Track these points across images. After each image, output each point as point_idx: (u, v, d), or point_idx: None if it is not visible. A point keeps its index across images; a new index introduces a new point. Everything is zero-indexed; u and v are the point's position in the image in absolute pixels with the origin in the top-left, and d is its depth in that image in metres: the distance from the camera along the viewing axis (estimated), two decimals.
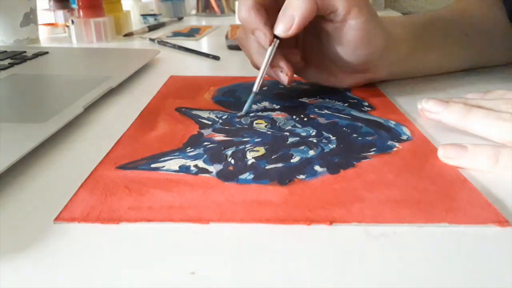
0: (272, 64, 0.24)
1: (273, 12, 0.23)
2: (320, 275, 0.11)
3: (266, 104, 0.25)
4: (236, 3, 0.77)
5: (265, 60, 0.23)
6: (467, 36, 0.31)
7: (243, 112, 0.23)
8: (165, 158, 0.18)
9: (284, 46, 0.24)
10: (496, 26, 0.33)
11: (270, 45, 0.23)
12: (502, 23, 0.33)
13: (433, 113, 0.21)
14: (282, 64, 0.24)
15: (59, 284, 0.11)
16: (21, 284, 0.11)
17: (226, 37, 0.48)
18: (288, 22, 0.22)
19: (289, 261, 0.12)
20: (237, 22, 0.76)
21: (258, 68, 0.26)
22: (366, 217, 0.14)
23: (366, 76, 0.27)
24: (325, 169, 0.17)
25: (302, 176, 0.16)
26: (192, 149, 0.19)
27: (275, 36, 0.23)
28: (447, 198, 0.15)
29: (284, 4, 0.22)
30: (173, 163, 0.17)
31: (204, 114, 0.24)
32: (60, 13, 0.61)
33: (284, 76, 0.24)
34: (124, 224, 0.13)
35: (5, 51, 0.38)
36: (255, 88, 0.23)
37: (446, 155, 0.17)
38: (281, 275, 0.11)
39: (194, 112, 0.24)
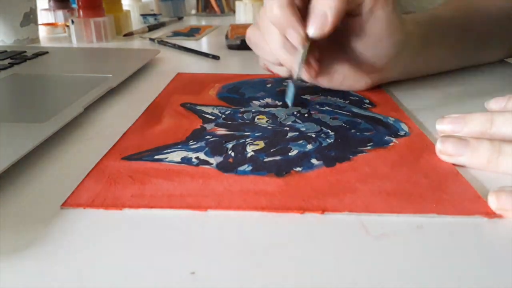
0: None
1: (302, 11, 0.23)
2: (311, 260, 0.13)
3: (269, 100, 0.27)
4: (237, 3, 0.80)
5: (299, 60, 0.23)
6: (467, 32, 0.32)
7: (290, 105, 0.25)
8: (168, 150, 0.20)
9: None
10: (498, 16, 0.34)
11: (305, 44, 0.22)
12: (503, 13, 0.34)
13: (454, 157, 0.18)
14: (311, 59, 0.24)
15: (64, 263, 0.13)
16: (31, 263, 0.13)
17: (226, 37, 0.50)
18: (321, 21, 0.21)
19: (281, 246, 0.13)
20: (237, 21, 0.79)
21: (269, 70, 0.27)
22: (357, 207, 0.15)
23: (380, 75, 0.28)
24: (321, 162, 0.19)
25: (298, 168, 0.18)
26: (195, 142, 0.21)
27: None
28: (438, 190, 0.17)
29: (313, 2, 0.22)
30: (176, 155, 0.19)
31: (208, 109, 0.26)
32: (60, 13, 0.64)
33: (312, 71, 0.25)
34: (126, 210, 0.15)
35: (5, 51, 0.40)
36: (295, 76, 0.24)
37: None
38: (274, 260, 0.13)
39: (199, 107, 0.26)
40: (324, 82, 0.28)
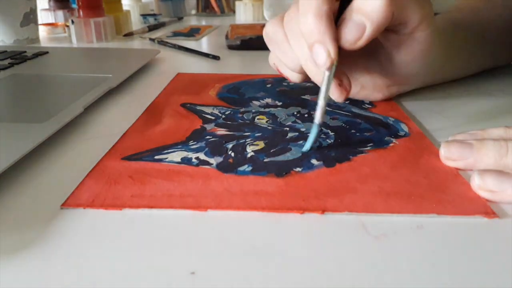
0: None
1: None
2: (311, 260, 0.13)
3: (269, 100, 0.27)
4: (237, 3, 0.80)
5: (324, 85, 0.19)
6: (484, 37, 0.31)
7: (305, 150, 0.20)
8: (168, 151, 0.20)
9: None
10: (505, 25, 0.33)
11: (330, 66, 0.19)
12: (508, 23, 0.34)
13: (460, 161, 0.18)
14: (343, 77, 0.21)
15: (64, 263, 0.13)
16: (31, 262, 0.13)
17: (226, 37, 0.50)
18: (357, 33, 0.19)
19: (281, 246, 0.13)
20: (237, 22, 0.79)
21: (278, 71, 0.24)
22: (357, 207, 0.15)
23: (399, 89, 0.27)
24: (321, 162, 0.19)
25: (298, 169, 0.18)
26: (195, 143, 0.21)
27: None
28: (438, 191, 0.17)
29: (352, 7, 0.19)
30: (176, 155, 0.19)
31: (208, 109, 0.26)
32: (60, 13, 0.64)
33: (342, 91, 0.21)
34: (126, 210, 0.15)
35: (5, 51, 0.40)
36: (318, 120, 0.19)
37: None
38: (274, 260, 0.13)
39: (199, 107, 0.26)
40: None
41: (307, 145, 0.20)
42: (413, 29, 0.22)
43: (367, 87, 0.26)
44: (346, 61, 0.23)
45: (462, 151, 0.17)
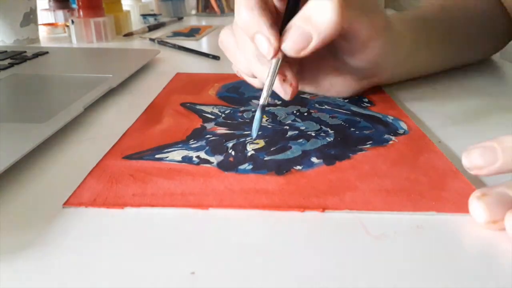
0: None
1: (279, 16, 0.20)
2: (312, 258, 0.13)
3: (268, 99, 0.27)
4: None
5: (271, 72, 0.19)
6: (449, 34, 0.31)
7: (253, 136, 0.20)
8: (169, 150, 0.20)
9: None
10: (481, 18, 0.34)
11: (274, 56, 0.19)
12: (487, 9, 0.34)
13: (486, 168, 0.15)
14: (287, 72, 0.21)
15: (66, 262, 0.13)
16: (33, 261, 0.13)
17: None
18: (303, 41, 0.18)
19: (282, 245, 0.14)
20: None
21: (243, 78, 0.24)
22: (357, 205, 0.15)
23: (369, 81, 0.27)
24: (321, 160, 0.19)
25: (299, 167, 0.18)
26: (195, 142, 0.21)
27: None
28: (437, 188, 0.17)
29: (301, 14, 0.19)
30: (176, 154, 0.19)
31: (208, 109, 0.26)
32: (60, 13, 0.64)
33: (287, 87, 0.21)
34: (128, 209, 0.15)
35: (5, 51, 0.40)
36: (261, 101, 0.20)
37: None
38: (275, 258, 0.13)
39: (198, 107, 0.26)
40: (310, 89, 0.26)
41: (253, 131, 0.20)
42: (364, 42, 0.22)
43: (337, 84, 0.26)
44: (310, 60, 0.23)
45: (486, 156, 0.15)
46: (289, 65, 0.21)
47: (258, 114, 0.20)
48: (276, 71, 0.19)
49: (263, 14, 0.19)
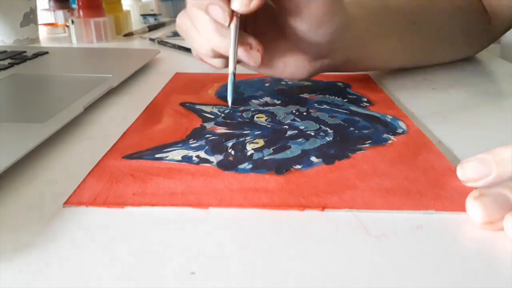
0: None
1: None
2: (312, 257, 0.13)
3: (267, 99, 0.27)
4: None
5: (232, 36, 0.20)
6: (416, 24, 0.30)
7: (229, 104, 0.21)
8: (169, 149, 0.20)
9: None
10: (453, 13, 0.33)
11: (231, 20, 0.20)
12: (463, 6, 0.33)
13: (481, 180, 0.16)
14: (250, 40, 0.22)
15: (67, 261, 0.13)
16: (34, 259, 0.13)
17: None
18: None
19: (282, 243, 0.14)
20: None
21: (204, 61, 0.24)
22: (357, 203, 0.15)
23: (322, 63, 0.26)
24: (320, 160, 0.19)
25: (298, 166, 0.18)
26: (195, 141, 0.21)
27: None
28: (436, 187, 0.17)
29: None
30: (176, 154, 0.19)
31: (207, 108, 0.26)
32: (60, 13, 0.64)
33: (255, 53, 0.22)
34: (128, 208, 0.15)
35: (5, 51, 0.40)
36: (231, 69, 0.21)
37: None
38: (275, 257, 0.13)
39: (198, 106, 0.26)
40: (265, 71, 0.26)
41: (229, 99, 0.21)
42: (317, 16, 0.22)
43: (290, 64, 0.26)
44: (264, 42, 0.23)
45: (480, 169, 0.16)
46: (249, 34, 0.22)
47: (231, 77, 0.21)
48: (237, 35, 0.20)
49: None
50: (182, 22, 0.23)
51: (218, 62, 0.24)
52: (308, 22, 0.22)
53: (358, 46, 0.27)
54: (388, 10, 0.29)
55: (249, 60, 0.22)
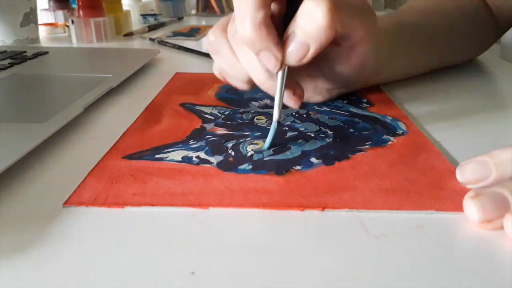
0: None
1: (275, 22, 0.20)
2: (312, 257, 0.13)
3: (267, 101, 0.27)
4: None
5: (279, 85, 0.20)
6: (430, 39, 0.31)
7: (265, 147, 0.20)
8: (169, 150, 0.20)
9: None
10: (462, 20, 0.33)
11: (280, 69, 0.19)
12: (469, 12, 0.34)
13: (480, 182, 0.16)
14: (296, 86, 0.21)
15: (67, 262, 0.13)
16: (34, 259, 0.13)
17: None
18: (301, 52, 0.19)
19: (282, 243, 0.14)
20: None
21: (226, 81, 0.24)
22: (357, 204, 0.16)
23: (341, 91, 0.27)
24: (320, 161, 0.19)
25: (298, 167, 0.18)
26: (195, 142, 0.21)
27: None
28: (436, 188, 0.17)
29: (297, 25, 0.19)
30: (176, 154, 0.19)
31: (207, 109, 0.26)
32: (60, 13, 0.64)
33: (297, 99, 0.21)
34: (128, 208, 0.15)
35: (5, 51, 0.40)
36: (275, 117, 0.20)
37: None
38: (275, 257, 0.13)
39: (198, 107, 0.26)
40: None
41: (267, 143, 0.20)
42: (354, 43, 0.22)
43: (308, 90, 0.25)
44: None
45: (480, 171, 0.16)
46: (291, 75, 0.21)
47: (274, 125, 0.20)
48: (284, 83, 0.20)
49: (269, 32, 0.19)
50: (218, 42, 0.22)
51: (245, 86, 0.23)
52: (341, 68, 0.23)
53: (378, 71, 0.27)
54: (404, 30, 0.29)
55: (289, 104, 0.22)
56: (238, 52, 0.21)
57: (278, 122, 0.20)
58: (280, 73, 0.20)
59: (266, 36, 0.18)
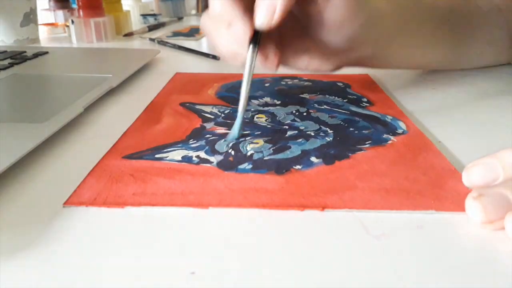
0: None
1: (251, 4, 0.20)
2: (312, 256, 0.13)
3: (267, 99, 0.27)
4: None
5: (247, 65, 0.20)
6: (449, 21, 0.29)
7: (229, 139, 0.20)
8: (169, 149, 0.20)
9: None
10: (488, 10, 0.30)
11: (250, 42, 0.20)
12: (494, 7, 0.31)
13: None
14: (268, 50, 0.21)
15: (66, 260, 0.13)
16: (33, 259, 0.13)
17: None
18: (269, 12, 0.19)
19: (282, 243, 0.14)
20: None
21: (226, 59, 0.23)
22: (357, 204, 0.15)
23: (350, 55, 0.25)
24: (320, 160, 0.19)
25: (298, 167, 0.18)
26: (195, 141, 0.21)
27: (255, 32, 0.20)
28: (436, 187, 0.17)
29: None
30: (176, 154, 0.19)
31: (207, 108, 0.26)
32: (60, 13, 0.64)
33: (271, 64, 0.21)
34: (128, 208, 0.15)
35: (5, 51, 0.40)
36: (241, 107, 0.20)
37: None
38: (275, 256, 0.13)
39: (198, 106, 0.26)
40: (290, 66, 0.25)
41: (232, 135, 0.20)
42: (337, 23, 0.21)
43: (314, 59, 0.25)
44: (288, 37, 0.24)
45: (487, 175, 0.15)
46: (269, 41, 0.21)
47: (239, 116, 0.20)
48: (253, 65, 0.20)
49: (234, 5, 0.19)
50: (204, 23, 0.23)
51: (238, 62, 0.23)
52: (328, 26, 0.22)
53: (385, 42, 0.26)
54: (419, 5, 0.28)
55: (265, 68, 0.22)
56: (216, 31, 0.22)
57: (243, 113, 0.20)
58: (250, 49, 0.20)
59: (231, 10, 0.19)
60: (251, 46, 0.20)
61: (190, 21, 0.78)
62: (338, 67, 0.26)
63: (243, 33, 0.19)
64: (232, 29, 0.20)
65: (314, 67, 0.25)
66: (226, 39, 0.21)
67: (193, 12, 0.90)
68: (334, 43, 0.24)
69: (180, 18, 0.78)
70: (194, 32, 0.61)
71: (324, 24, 0.22)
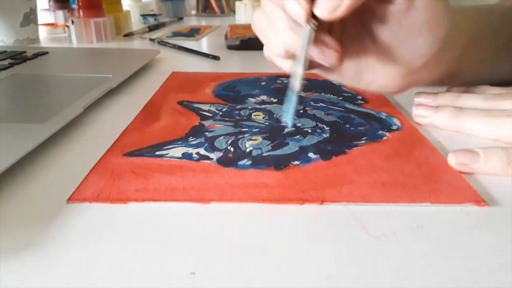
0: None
1: None
2: (312, 249, 0.13)
3: (264, 97, 0.27)
4: (237, 3, 0.80)
5: (302, 43, 0.17)
6: None
7: (289, 126, 0.19)
8: (169, 147, 0.20)
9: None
10: None
11: (308, 19, 0.17)
12: None
13: (423, 118, 0.23)
14: (327, 39, 0.18)
15: (70, 256, 0.13)
16: (38, 255, 0.13)
17: (226, 37, 0.50)
18: (334, 1, 0.16)
19: (283, 236, 0.14)
20: (237, 22, 0.78)
21: (274, 64, 0.21)
22: (354, 197, 0.16)
23: (418, 77, 0.21)
24: (318, 155, 0.19)
25: (296, 162, 0.18)
26: (194, 138, 0.21)
27: (314, 17, 0.17)
28: (431, 181, 0.17)
29: None
30: (176, 151, 0.19)
31: (205, 107, 0.26)
32: (60, 13, 0.63)
33: (331, 52, 0.18)
34: (132, 204, 0.15)
35: (5, 51, 0.40)
36: (297, 88, 0.18)
37: (459, 162, 0.18)
38: (276, 250, 0.13)
39: (196, 105, 0.26)
40: (349, 82, 0.22)
41: (289, 119, 0.18)
42: (421, 24, 0.18)
43: (380, 76, 0.21)
44: (351, 46, 0.21)
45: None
46: (325, 32, 0.18)
47: (292, 96, 0.18)
48: (311, 40, 0.17)
49: None
50: (257, 19, 0.20)
51: (286, 64, 0.21)
52: (405, 33, 0.19)
53: (461, 58, 0.23)
54: (492, 16, 0.25)
55: (324, 60, 0.18)
56: (270, 19, 0.19)
57: (298, 95, 0.17)
58: (305, 29, 0.17)
59: None
60: (308, 26, 0.17)
61: (190, 21, 0.77)
62: (405, 89, 0.22)
63: (299, 7, 0.16)
64: (287, 5, 0.17)
65: (377, 85, 0.22)
66: (280, 30, 0.18)
67: (193, 12, 0.89)
68: (406, 58, 0.20)
69: (180, 18, 0.78)
70: (194, 32, 0.61)
71: (399, 30, 0.19)
